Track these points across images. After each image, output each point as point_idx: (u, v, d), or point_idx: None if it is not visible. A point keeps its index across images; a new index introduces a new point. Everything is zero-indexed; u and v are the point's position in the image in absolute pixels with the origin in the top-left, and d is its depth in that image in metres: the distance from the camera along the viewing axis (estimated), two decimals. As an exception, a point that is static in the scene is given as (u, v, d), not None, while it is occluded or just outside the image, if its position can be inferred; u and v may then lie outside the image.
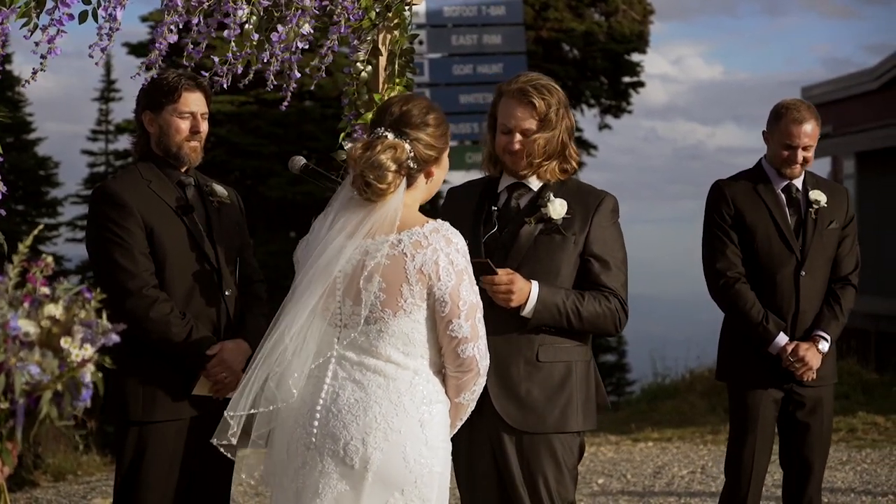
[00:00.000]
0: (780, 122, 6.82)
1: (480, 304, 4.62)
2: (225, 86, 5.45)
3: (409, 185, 4.59)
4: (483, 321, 4.64)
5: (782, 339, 6.71)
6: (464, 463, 5.43)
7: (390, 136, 4.55)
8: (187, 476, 5.44)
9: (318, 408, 4.55)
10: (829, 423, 6.93)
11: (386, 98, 5.84)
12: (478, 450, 5.34)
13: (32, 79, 5.02)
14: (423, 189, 4.70)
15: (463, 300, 4.52)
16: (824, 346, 6.74)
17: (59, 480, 12.05)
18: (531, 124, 5.31)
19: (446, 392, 4.69)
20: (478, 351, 4.60)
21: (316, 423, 4.54)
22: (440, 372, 4.67)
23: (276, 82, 5.53)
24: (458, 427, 4.85)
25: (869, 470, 11.34)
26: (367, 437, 4.46)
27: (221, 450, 4.65)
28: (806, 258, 6.77)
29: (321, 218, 4.64)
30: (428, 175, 4.67)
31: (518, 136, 5.32)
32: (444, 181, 4.98)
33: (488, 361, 4.69)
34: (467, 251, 4.60)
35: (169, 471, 5.40)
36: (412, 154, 4.55)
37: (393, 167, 4.48)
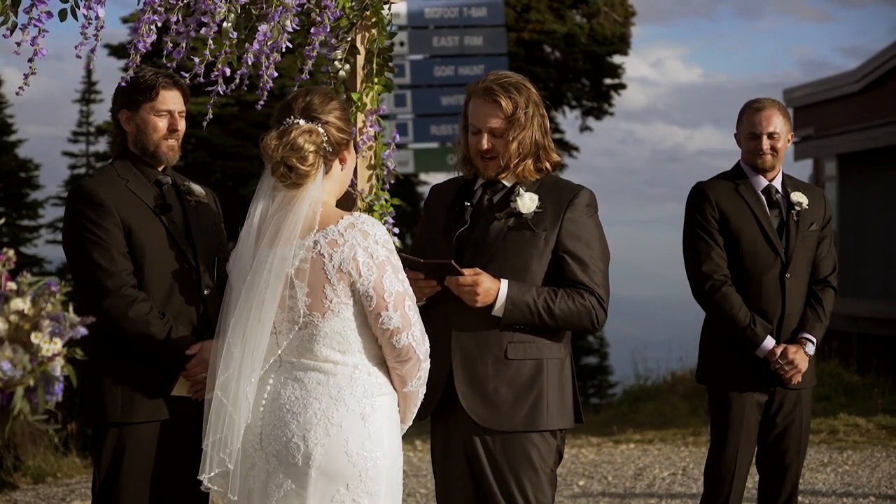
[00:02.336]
0: (744, 115, 6.91)
1: (409, 291, 4.62)
2: (221, 91, 5.43)
3: (325, 172, 4.62)
4: (415, 308, 4.64)
5: (770, 342, 6.68)
6: (439, 465, 5.41)
7: (302, 122, 4.58)
8: (166, 477, 5.41)
9: (262, 409, 4.58)
10: (807, 425, 6.92)
11: (365, 98, 5.83)
12: (452, 451, 5.32)
13: (25, 84, 5.01)
14: (339, 179, 4.73)
15: (388, 291, 4.52)
16: (811, 348, 6.74)
17: (39, 482, 12.03)
18: (498, 123, 5.27)
19: (393, 385, 4.69)
20: (413, 338, 4.59)
21: (260, 424, 4.57)
22: (383, 363, 4.67)
23: (248, 83, 5.51)
24: (411, 419, 4.85)
25: (850, 472, 11.36)
26: (307, 433, 4.48)
27: (208, 483, 4.65)
28: (790, 260, 6.76)
29: (245, 223, 4.65)
30: (342, 161, 4.70)
31: (486, 137, 5.29)
32: (426, 183, 5.00)
33: (427, 346, 4.67)
34: (389, 240, 4.60)
35: (148, 471, 5.37)
36: (326, 137, 4.59)
37: (312, 148, 4.52)
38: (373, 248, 4.51)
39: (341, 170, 4.71)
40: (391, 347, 4.59)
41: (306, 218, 4.52)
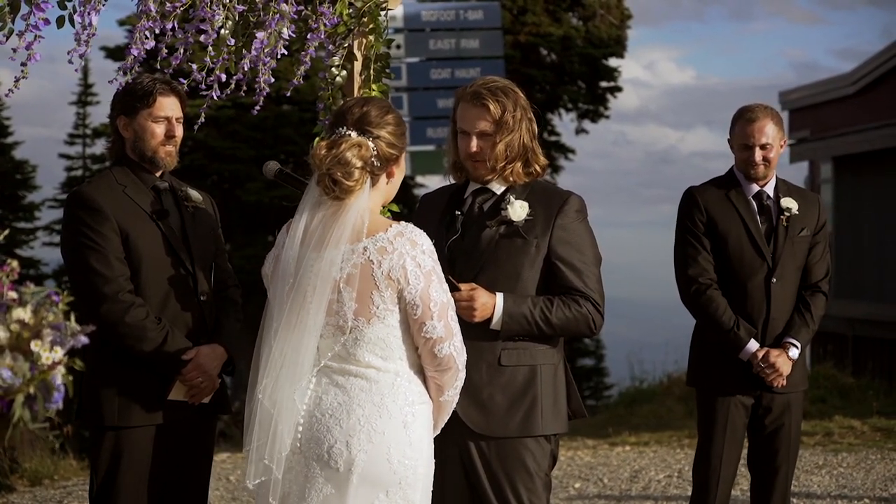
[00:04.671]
0: (736, 125, 6.92)
1: (451, 301, 4.67)
2: (216, 96, 5.46)
3: (371, 185, 4.62)
4: (456, 318, 4.69)
5: (753, 345, 6.72)
6: (435, 471, 5.42)
7: (354, 134, 4.58)
8: (163, 481, 5.43)
9: (302, 413, 4.57)
10: (798, 429, 6.96)
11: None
12: (446, 457, 5.32)
13: (16, 87, 5.03)
14: (384, 191, 4.74)
15: (434, 301, 4.56)
16: (794, 352, 6.76)
17: (36, 485, 12.02)
18: (487, 127, 5.28)
19: (428, 392, 4.73)
20: (454, 348, 4.65)
21: (300, 428, 4.56)
22: (421, 371, 4.71)
23: (247, 88, 5.53)
24: (440, 427, 4.87)
25: (845, 474, 11.37)
26: (350, 439, 4.49)
27: (252, 488, 4.64)
28: (777, 265, 6.79)
29: (291, 229, 4.64)
30: (389, 175, 4.72)
31: (475, 139, 5.31)
32: (423, 185, 5.01)
33: (465, 356, 4.73)
34: (434, 251, 4.63)
35: (145, 476, 5.38)
36: (375, 152, 4.59)
37: (359, 164, 4.52)
38: (420, 257, 4.54)
39: (387, 183, 4.72)
40: (432, 356, 4.64)
41: (354, 225, 4.53)
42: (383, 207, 5.88)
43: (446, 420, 4.88)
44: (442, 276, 4.64)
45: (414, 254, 4.54)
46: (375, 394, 4.56)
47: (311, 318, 4.54)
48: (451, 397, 4.79)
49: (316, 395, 4.58)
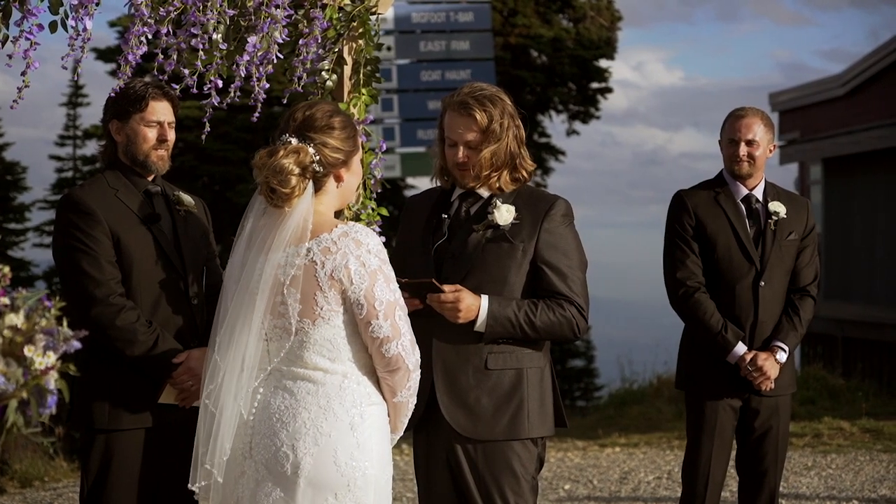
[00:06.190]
0: (726, 122, 7.01)
1: (400, 301, 4.64)
2: (216, 102, 5.49)
3: (317, 189, 4.63)
4: (406, 318, 4.66)
5: (741, 348, 6.77)
6: (422, 474, 5.45)
7: (294, 141, 4.60)
8: (154, 484, 5.44)
9: (252, 418, 4.60)
10: (786, 431, 7.01)
11: (352, 108, 5.87)
12: (434, 460, 5.35)
13: (20, 97, 5.05)
14: (336, 194, 4.73)
15: (379, 300, 4.55)
16: (782, 356, 6.80)
17: (26, 487, 12.01)
18: (474, 136, 5.30)
19: (383, 394, 4.72)
20: (402, 348, 4.61)
21: (250, 433, 4.59)
22: (373, 373, 4.69)
23: (241, 93, 5.56)
24: (402, 428, 4.87)
25: (834, 475, 11.41)
26: (296, 442, 4.51)
27: (198, 490, 4.68)
28: (765, 269, 6.84)
29: (238, 234, 4.69)
30: (338, 179, 4.70)
31: (462, 149, 5.33)
32: (413, 187, 5.01)
33: (417, 357, 4.69)
34: (382, 250, 4.62)
35: (135, 479, 5.39)
36: (317, 157, 4.60)
37: (296, 171, 4.54)
38: (365, 256, 4.54)
39: (337, 187, 4.71)
40: (381, 356, 4.60)
41: (297, 227, 4.54)
42: (372, 211, 5.91)
43: (405, 422, 4.86)
44: (390, 275, 4.63)
45: (358, 253, 4.54)
46: (322, 396, 4.56)
47: (254, 319, 4.57)
48: (406, 398, 4.75)
49: (265, 399, 4.61)
